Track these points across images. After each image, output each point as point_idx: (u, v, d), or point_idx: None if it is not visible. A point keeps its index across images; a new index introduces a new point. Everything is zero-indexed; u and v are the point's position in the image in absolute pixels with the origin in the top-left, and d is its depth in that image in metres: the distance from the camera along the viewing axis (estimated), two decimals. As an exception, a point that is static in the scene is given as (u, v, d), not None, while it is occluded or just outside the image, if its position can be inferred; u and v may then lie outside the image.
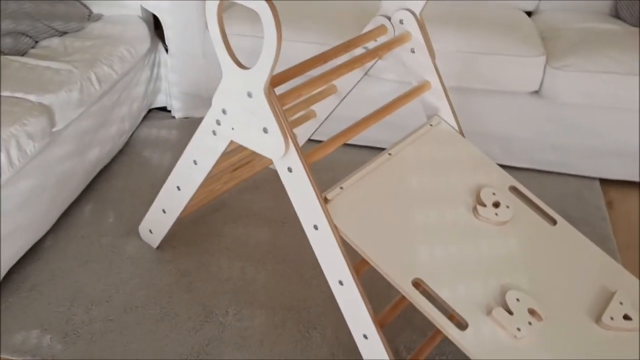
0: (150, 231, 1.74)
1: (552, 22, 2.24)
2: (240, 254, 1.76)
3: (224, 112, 1.31)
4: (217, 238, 1.81)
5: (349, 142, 2.15)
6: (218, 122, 1.34)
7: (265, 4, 1.09)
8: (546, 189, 2.08)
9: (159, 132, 2.29)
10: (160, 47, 2.30)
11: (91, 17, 2.12)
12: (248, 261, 1.74)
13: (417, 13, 1.54)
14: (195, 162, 1.48)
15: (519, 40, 1.97)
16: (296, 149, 1.23)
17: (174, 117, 2.36)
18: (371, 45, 1.62)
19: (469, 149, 1.55)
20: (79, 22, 2.07)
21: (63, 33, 2.04)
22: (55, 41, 1.98)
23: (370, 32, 1.56)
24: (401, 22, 1.56)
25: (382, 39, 1.60)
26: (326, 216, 1.26)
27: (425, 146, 1.50)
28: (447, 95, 1.58)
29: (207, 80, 2.23)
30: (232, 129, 1.32)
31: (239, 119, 1.28)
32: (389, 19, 1.58)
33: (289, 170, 1.26)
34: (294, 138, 1.23)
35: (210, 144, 1.40)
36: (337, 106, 1.83)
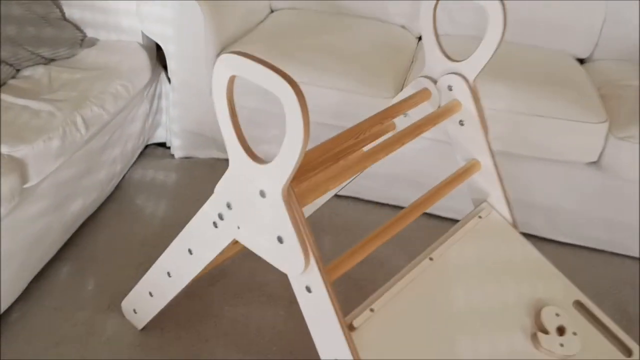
0: (135, 311, 1.47)
1: (609, 75, 1.95)
2: (239, 342, 1.49)
3: (228, 206, 1.04)
4: (213, 319, 1.54)
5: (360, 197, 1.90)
6: (221, 217, 1.07)
7: (289, 87, 0.82)
8: (597, 271, 1.80)
9: (155, 173, 2.02)
10: (163, 76, 2.03)
11: (84, 42, 1.85)
12: (248, 352, 1.46)
13: (471, 79, 1.26)
14: (190, 252, 1.20)
15: (577, 102, 1.69)
16: (318, 267, 0.96)
17: (173, 155, 2.09)
18: (413, 112, 1.34)
19: (525, 249, 1.27)
20: (70, 48, 1.80)
21: (50, 60, 1.77)
22: (39, 70, 1.71)
23: (411, 97, 1.29)
24: (450, 88, 1.28)
25: (424, 106, 1.32)
26: (351, 349, 0.98)
27: (473, 246, 1.23)
28: (500, 179, 1.30)
29: (213, 119, 1.96)
30: (238, 227, 1.04)
31: (247, 219, 1.01)
32: (435, 82, 1.30)
33: (307, 290, 0.99)
34: (316, 251, 0.96)
35: (210, 237, 1.13)
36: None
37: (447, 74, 1.28)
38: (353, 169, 1.07)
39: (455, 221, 1.89)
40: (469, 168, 1.29)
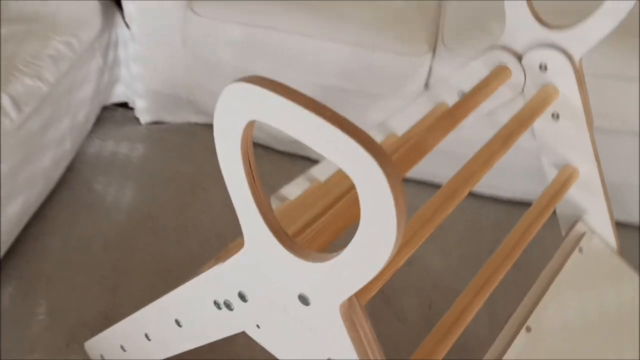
0: (103, 357, 1.11)
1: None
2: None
3: (242, 297, 0.66)
4: None
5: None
6: (229, 306, 0.69)
7: (376, 166, 0.43)
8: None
9: (116, 146, 1.60)
10: (119, 18, 1.56)
11: (9, -21, 1.37)
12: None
13: (577, 57, 0.86)
14: (178, 324, 0.83)
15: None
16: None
17: (138, 120, 1.66)
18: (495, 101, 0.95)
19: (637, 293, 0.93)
20: (-12, -10, 1.32)
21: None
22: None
23: (486, 80, 0.89)
24: (542, 67, 0.88)
25: (504, 91, 0.93)
26: None
27: (576, 300, 0.88)
28: (605, 191, 0.94)
29: (188, 76, 1.53)
30: (258, 327, 0.67)
31: (273, 323, 0.63)
32: (519, 57, 0.90)
33: None
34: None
35: (209, 317, 0.75)
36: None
37: (540, 46, 0.88)
38: (440, 214, 0.69)
39: (498, 200, 1.54)
40: (567, 179, 0.92)
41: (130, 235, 1.38)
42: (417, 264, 1.39)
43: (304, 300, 0.57)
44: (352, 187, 0.89)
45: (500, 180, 1.47)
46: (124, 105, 1.69)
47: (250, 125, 0.49)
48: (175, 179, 1.51)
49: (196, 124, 1.65)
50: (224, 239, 1.35)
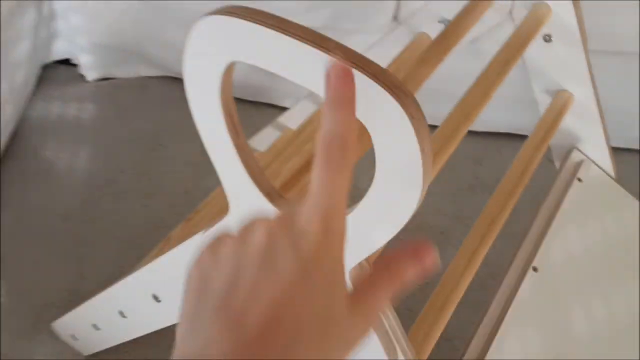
0: (74, 337, 1.03)
1: None
2: None
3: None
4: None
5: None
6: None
7: (403, 113, 0.34)
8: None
9: (63, 107, 1.47)
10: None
11: None
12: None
13: (572, -30, 0.79)
14: (156, 298, 0.75)
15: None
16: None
17: (83, 77, 1.53)
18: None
19: (642, 219, 0.88)
20: None
21: None
22: None
23: (472, 4, 0.80)
24: (533, -16, 0.80)
25: (490, 15, 0.85)
26: None
27: (579, 232, 0.82)
28: (602, 116, 0.88)
29: (137, 25, 1.40)
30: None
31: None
32: (505, -25, 0.82)
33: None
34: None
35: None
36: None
37: (530, -39, 0.80)
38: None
39: (473, 133, 1.48)
40: (563, 105, 0.85)
41: (90, 203, 1.28)
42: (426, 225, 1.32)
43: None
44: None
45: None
46: (67, 62, 1.55)
47: (230, 68, 0.40)
48: (131, 138, 1.40)
49: (148, 77, 1.53)
50: (194, 198, 1.26)
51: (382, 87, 0.34)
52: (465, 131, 0.66)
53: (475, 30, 0.86)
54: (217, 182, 1.14)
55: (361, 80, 0.34)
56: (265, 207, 0.46)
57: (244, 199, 0.48)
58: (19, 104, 1.37)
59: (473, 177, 1.43)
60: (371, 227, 0.42)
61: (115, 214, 1.26)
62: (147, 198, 1.28)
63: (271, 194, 0.46)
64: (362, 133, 0.37)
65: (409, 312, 0.82)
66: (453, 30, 0.75)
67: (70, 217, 1.25)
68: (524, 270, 0.76)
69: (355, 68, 0.34)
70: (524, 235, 0.80)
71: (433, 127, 1.30)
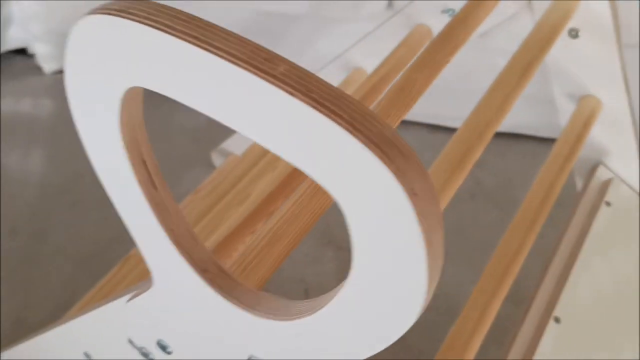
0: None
1: None
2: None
3: (163, 348, 0.43)
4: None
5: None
6: (147, 355, 0.46)
7: (397, 186, 0.20)
8: None
9: (17, 104, 1.31)
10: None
11: None
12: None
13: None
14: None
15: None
16: None
17: (40, 68, 1.37)
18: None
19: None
20: None
21: None
22: None
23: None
24: (557, -32, 0.66)
25: (505, 5, 0.70)
26: None
27: (608, 265, 0.68)
28: (636, 126, 0.74)
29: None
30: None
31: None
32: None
33: None
34: None
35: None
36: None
37: (555, -62, 0.65)
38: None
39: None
40: (590, 113, 0.71)
41: (43, 215, 1.13)
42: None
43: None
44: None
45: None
46: (23, 52, 1.39)
47: (134, 93, 0.26)
48: (93, 138, 1.25)
49: (113, 70, 1.37)
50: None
51: (360, 140, 0.20)
52: (480, 151, 0.52)
53: (486, 23, 0.72)
54: (192, 189, 1.00)
55: (325, 127, 0.20)
56: (204, 292, 0.32)
57: (171, 274, 0.33)
58: (-36, 100, 1.21)
59: (474, 182, 1.30)
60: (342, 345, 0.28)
61: (70, 227, 1.11)
62: (106, 210, 1.13)
63: (209, 271, 0.32)
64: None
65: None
66: (460, 24, 0.61)
67: (18, 231, 1.10)
68: (543, 321, 0.62)
69: (312, 105, 0.19)
70: (541, 276, 0.66)
71: (434, 127, 1.15)
